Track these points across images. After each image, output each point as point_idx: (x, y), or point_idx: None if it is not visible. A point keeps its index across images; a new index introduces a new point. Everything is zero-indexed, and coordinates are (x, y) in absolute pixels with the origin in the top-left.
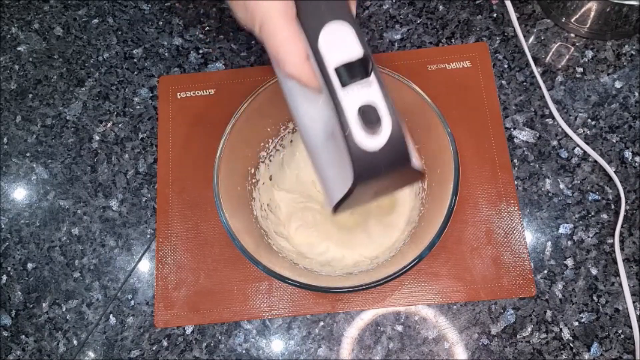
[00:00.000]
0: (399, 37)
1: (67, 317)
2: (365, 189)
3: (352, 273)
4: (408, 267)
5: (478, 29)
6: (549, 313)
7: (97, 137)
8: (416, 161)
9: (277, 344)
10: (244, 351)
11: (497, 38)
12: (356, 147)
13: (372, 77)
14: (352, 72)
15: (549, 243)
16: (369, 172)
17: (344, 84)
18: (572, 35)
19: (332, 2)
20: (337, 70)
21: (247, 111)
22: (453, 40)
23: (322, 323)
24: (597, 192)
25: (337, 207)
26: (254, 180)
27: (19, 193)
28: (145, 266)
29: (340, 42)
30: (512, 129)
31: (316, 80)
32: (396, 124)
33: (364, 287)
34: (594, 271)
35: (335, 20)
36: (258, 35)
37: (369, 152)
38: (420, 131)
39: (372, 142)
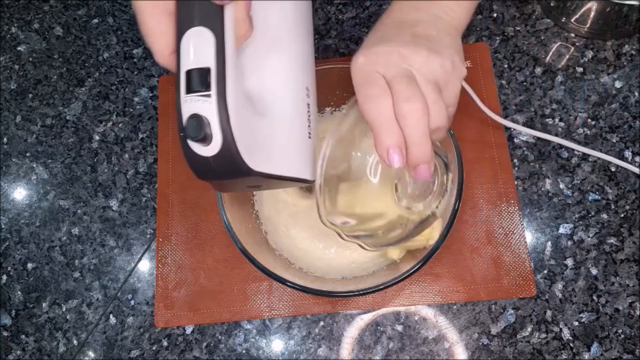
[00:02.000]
0: None
1: (67, 317)
2: (224, 184)
3: (355, 276)
4: (411, 271)
5: (478, 29)
6: (549, 313)
7: (97, 137)
8: (278, 169)
9: (277, 344)
10: (244, 351)
11: (497, 38)
12: (188, 149)
13: (214, 91)
14: (194, 80)
15: (549, 243)
16: (204, 174)
17: (187, 90)
18: (572, 35)
19: (205, 8)
20: (187, 73)
21: None
22: None
23: (322, 323)
24: (597, 192)
25: (213, 189)
26: None
27: (19, 193)
28: (145, 266)
29: (198, 49)
30: (512, 129)
31: None
32: (228, 140)
33: (365, 291)
34: (594, 271)
35: (202, 26)
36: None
37: (201, 157)
38: None
39: (204, 149)
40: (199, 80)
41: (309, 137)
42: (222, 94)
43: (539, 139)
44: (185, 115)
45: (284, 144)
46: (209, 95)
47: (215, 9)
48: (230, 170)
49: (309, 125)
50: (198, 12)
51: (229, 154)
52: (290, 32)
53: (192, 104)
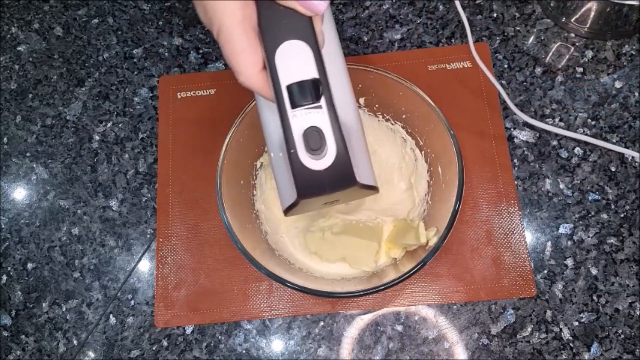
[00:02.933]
0: (399, 37)
1: (67, 317)
2: (312, 202)
3: (355, 277)
4: (411, 272)
5: (478, 29)
6: (549, 313)
7: (97, 137)
8: (368, 178)
9: (277, 344)
10: (244, 351)
11: (497, 38)
12: (300, 165)
13: (323, 101)
14: (303, 93)
15: (549, 243)
16: (312, 190)
17: (293, 105)
18: (572, 35)
19: (295, 20)
20: (288, 88)
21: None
22: (453, 40)
23: (322, 323)
24: (597, 192)
25: (286, 213)
26: (256, 173)
27: (19, 193)
28: (145, 266)
29: (297, 62)
30: (512, 129)
31: (270, 93)
32: (341, 148)
33: (366, 292)
34: (594, 271)
35: (296, 39)
36: (216, 39)
37: (313, 171)
38: (421, 132)
39: (316, 163)
40: (307, 92)
41: (367, 156)
42: (331, 103)
43: (539, 138)
44: (300, 130)
45: (361, 154)
46: (320, 107)
47: (305, 21)
48: (341, 182)
49: (365, 139)
50: (289, 25)
51: (343, 164)
52: (335, 49)
53: (303, 118)
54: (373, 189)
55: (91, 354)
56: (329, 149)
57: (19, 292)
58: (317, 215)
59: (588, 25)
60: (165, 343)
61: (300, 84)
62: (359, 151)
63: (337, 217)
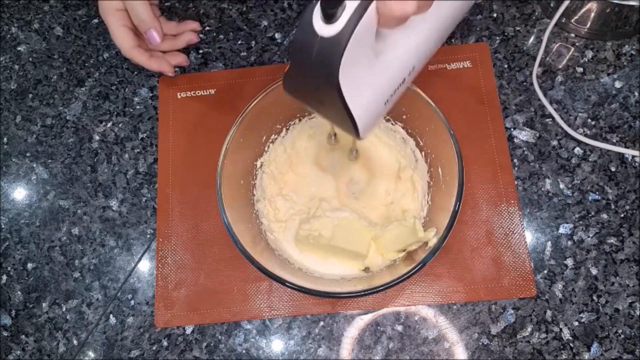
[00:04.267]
0: None
1: (67, 317)
2: (301, 79)
3: (355, 277)
4: (411, 272)
5: (478, 29)
6: (549, 313)
7: (97, 137)
8: (355, 107)
9: (277, 344)
10: (244, 351)
11: (497, 38)
12: (308, 17)
13: None
14: None
15: (549, 243)
16: (301, 53)
17: None
18: (572, 35)
19: None
20: None
21: (255, 108)
22: (453, 40)
23: (322, 323)
24: (597, 192)
25: (283, 83)
26: (256, 173)
27: (19, 193)
28: (145, 266)
29: None
30: (512, 129)
31: (146, 62)
32: (349, 28)
33: (366, 292)
34: (594, 271)
35: None
36: None
37: (314, 32)
38: (421, 132)
39: (321, 26)
40: None
41: (385, 103)
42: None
43: (539, 138)
44: None
45: (369, 90)
46: None
47: None
48: (323, 63)
49: (391, 95)
50: None
51: (337, 45)
52: (438, 17)
53: None
54: (351, 118)
55: (91, 354)
56: (339, 20)
57: (19, 292)
58: (307, 215)
59: (588, 26)
60: (165, 343)
61: None
62: (376, 81)
63: (327, 217)
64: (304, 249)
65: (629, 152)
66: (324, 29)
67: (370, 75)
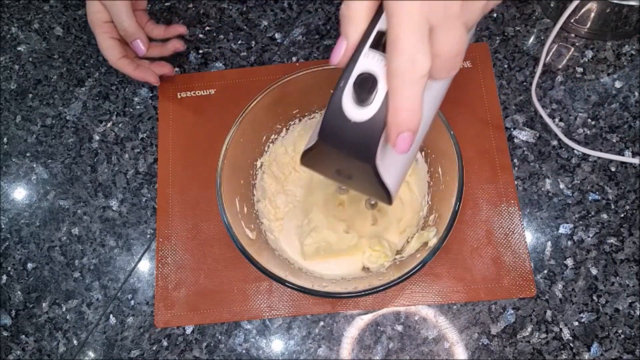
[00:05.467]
0: None
1: (67, 317)
2: (327, 157)
3: (355, 277)
4: (411, 272)
5: (478, 29)
6: (549, 313)
7: (97, 137)
8: (389, 176)
9: (277, 344)
10: (244, 351)
11: (497, 38)
12: (338, 101)
13: None
14: (382, 42)
15: (549, 243)
16: (333, 137)
17: (373, 45)
18: (572, 35)
19: None
20: (379, 32)
21: (255, 108)
22: None
23: (322, 323)
24: (597, 192)
25: (302, 158)
26: (255, 173)
27: (19, 193)
28: (145, 266)
29: None
30: (512, 129)
31: (132, 73)
32: (380, 116)
33: (366, 292)
34: (594, 271)
35: None
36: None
37: (344, 115)
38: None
39: (352, 111)
40: None
41: (410, 165)
42: None
43: (539, 138)
44: (362, 68)
45: (399, 160)
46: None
47: None
48: (359, 147)
49: (415, 154)
50: None
51: (371, 130)
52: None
53: (372, 62)
54: (386, 191)
55: (91, 354)
56: (372, 106)
57: (19, 292)
58: (302, 229)
59: (588, 26)
60: (165, 343)
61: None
62: (401, 155)
63: (318, 214)
64: (314, 259)
65: (627, 160)
66: (356, 114)
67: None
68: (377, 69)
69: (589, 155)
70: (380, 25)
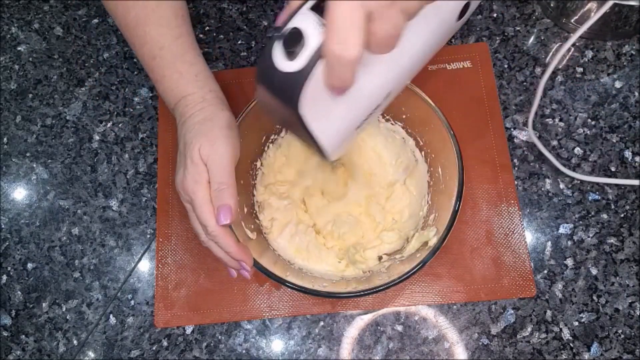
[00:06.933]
0: None
1: (67, 317)
2: (267, 103)
3: (355, 277)
4: (411, 272)
5: (478, 29)
6: (549, 313)
7: (97, 137)
8: (319, 133)
9: (277, 344)
10: (244, 351)
11: (497, 38)
12: (268, 52)
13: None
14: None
15: (549, 243)
16: (264, 82)
17: (313, 7)
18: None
19: None
20: None
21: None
22: (453, 40)
23: (322, 323)
24: (597, 192)
25: (257, 102)
26: (255, 173)
27: (19, 193)
28: (145, 266)
29: None
30: (512, 129)
31: (227, 242)
32: (307, 69)
33: (366, 292)
34: (594, 271)
35: None
36: (189, 204)
37: (273, 66)
38: (422, 132)
39: (282, 62)
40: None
41: (356, 128)
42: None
43: (539, 138)
44: (294, 24)
45: (335, 114)
46: (324, 25)
47: None
48: (285, 93)
49: (364, 120)
50: None
51: (297, 80)
52: (414, 44)
53: (305, 20)
54: (319, 146)
55: (91, 354)
56: (298, 61)
57: (19, 292)
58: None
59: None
60: (165, 343)
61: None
62: (340, 113)
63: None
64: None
65: (628, 183)
66: (285, 65)
67: (337, 106)
68: (309, 28)
69: (589, 155)
70: None
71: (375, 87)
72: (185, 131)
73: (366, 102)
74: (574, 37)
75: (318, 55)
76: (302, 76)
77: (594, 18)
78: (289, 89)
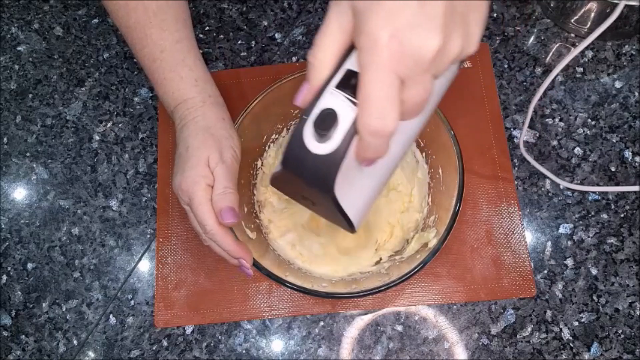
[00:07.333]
0: None
1: (67, 317)
2: (291, 184)
3: (355, 277)
4: (411, 273)
5: None
6: (549, 313)
7: (97, 137)
8: (350, 207)
9: (277, 344)
10: (244, 351)
11: (497, 38)
12: (299, 134)
13: None
14: (354, 85)
15: (549, 243)
16: (294, 166)
17: (339, 85)
18: (572, 35)
19: None
20: (347, 72)
21: (255, 108)
22: None
23: (322, 323)
24: (597, 192)
25: (270, 180)
26: (256, 173)
27: (19, 193)
28: (145, 266)
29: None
30: (512, 129)
31: (226, 243)
32: (340, 152)
33: (366, 292)
34: (594, 271)
35: None
36: (188, 204)
37: (304, 148)
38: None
39: (313, 144)
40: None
41: (375, 195)
42: None
43: (539, 138)
44: (324, 105)
45: (362, 186)
46: (353, 101)
47: None
48: (318, 178)
49: (383, 185)
50: None
51: (330, 164)
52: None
53: (336, 101)
54: (348, 222)
55: (91, 354)
56: (331, 142)
57: (19, 292)
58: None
59: (588, 26)
60: (165, 343)
61: (355, 75)
62: (365, 184)
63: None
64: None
65: (629, 189)
66: (317, 147)
67: (362, 179)
68: (339, 107)
69: (589, 155)
70: (348, 64)
71: (398, 148)
72: (188, 135)
73: (391, 164)
74: (586, 42)
75: (351, 134)
76: (337, 157)
77: (608, 22)
78: (323, 172)
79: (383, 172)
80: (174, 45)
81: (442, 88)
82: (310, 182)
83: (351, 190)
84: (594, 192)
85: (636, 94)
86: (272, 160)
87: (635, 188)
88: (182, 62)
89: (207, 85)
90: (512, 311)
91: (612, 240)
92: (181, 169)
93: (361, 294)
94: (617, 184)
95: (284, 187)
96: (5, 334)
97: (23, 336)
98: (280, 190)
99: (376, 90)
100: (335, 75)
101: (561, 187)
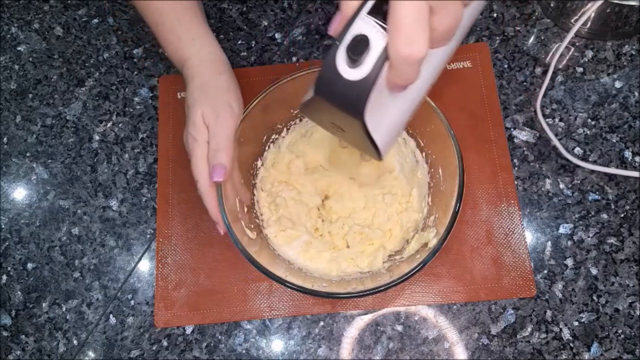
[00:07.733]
0: None
1: (67, 317)
2: (322, 110)
3: (355, 278)
4: (411, 273)
5: (478, 29)
6: (549, 313)
7: (97, 137)
8: (378, 133)
9: (277, 344)
10: (244, 351)
11: (497, 38)
12: (332, 60)
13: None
14: (384, 11)
15: (549, 243)
16: (327, 92)
17: (370, 12)
18: (572, 35)
19: None
20: (376, 2)
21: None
22: None
23: (322, 323)
24: (597, 192)
25: (300, 108)
26: (256, 173)
27: (19, 193)
28: (145, 266)
29: None
30: (512, 129)
31: (213, 207)
32: (371, 76)
33: (366, 292)
34: (594, 271)
35: None
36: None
37: (337, 73)
38: (422, 133)
39: (345, 70)
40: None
41: (403, 125)
42: None
43: (539, 138)
44: (357, 31)
45: (391, 114)
46: (384, 28)
47: None
48: (350, 103)
49: (410, 115)
50: None
51: (362, 88)
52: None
53: (368, 26)
54: (375, 147)
55: (91, 354)
56: (363, 67)
57: (19, 292)
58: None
59: (588, 26)
60: (165, 343)
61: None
62: (394, 112)
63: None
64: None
65: (629, 173)
66: (349, 73)
67: (392, 106)
68: (371, 33)
69: (589, 155)
70: None
71: (427, 76)
72: (188, 95)
73: (417, 95)
74: (570, 33)
75: (383, 60)
76: (368, 83)
77: (588, 13)
78: (354, 98)
79: (412, 100)
80: (171, 7)
81: (470, 18)
82: (342, 107)
83: (380, 116)
84: (594, 192)
85: (636, 94)
86: (271, 160)
87: (635, 174)
88: (178, 22)
89: (205, 43)
90: (512, 311)
91: (612, 240)
92: (185, 126)
93: (361, 294)
94: (617, 184)
95: (314, 114)
96: (5, 334)
97: (23, 336)
98: (309, 118)
99: (406, 16)
100: (366, 3)
101: (561, 186)
